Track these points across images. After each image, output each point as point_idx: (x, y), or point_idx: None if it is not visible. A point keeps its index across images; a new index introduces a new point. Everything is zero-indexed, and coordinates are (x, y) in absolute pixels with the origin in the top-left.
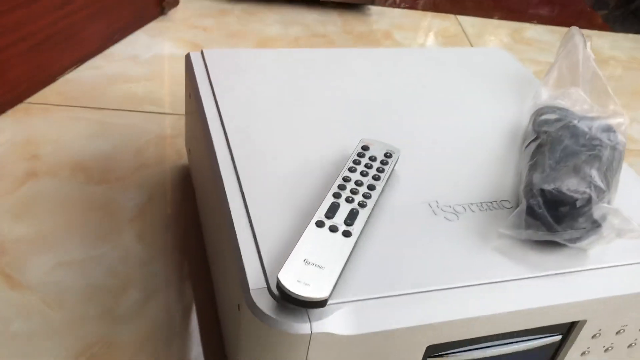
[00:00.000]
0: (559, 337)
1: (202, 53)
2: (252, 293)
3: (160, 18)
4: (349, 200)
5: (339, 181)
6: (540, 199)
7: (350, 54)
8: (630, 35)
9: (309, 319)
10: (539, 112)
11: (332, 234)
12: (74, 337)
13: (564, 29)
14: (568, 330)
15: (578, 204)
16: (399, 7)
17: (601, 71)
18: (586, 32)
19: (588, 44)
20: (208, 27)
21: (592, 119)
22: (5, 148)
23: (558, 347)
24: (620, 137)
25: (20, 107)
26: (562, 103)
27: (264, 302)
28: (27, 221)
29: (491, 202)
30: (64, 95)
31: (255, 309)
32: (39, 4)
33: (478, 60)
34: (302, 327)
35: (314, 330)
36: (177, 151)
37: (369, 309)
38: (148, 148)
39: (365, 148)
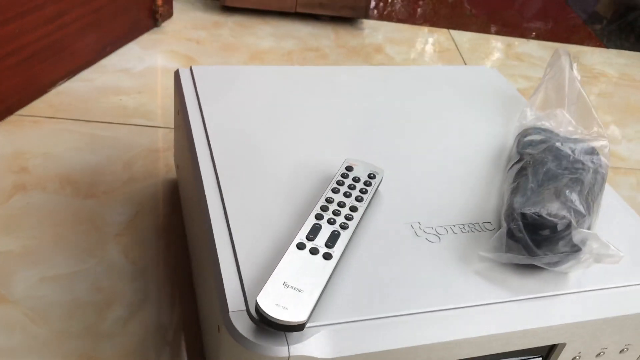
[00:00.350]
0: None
1: (191, 69)
2: (231, 315)
3: (154, 30)
4: (330, 221)
5: (322, 202)
6: (520, 223)
7: (339, 71)
8: (624, 52)
9: (287, 343)
10: (524, 133)
11: (313, 256)
12: (56, 353)
13: (556, 45)
14: (548, 352)
15: (558, 228)
16: (392, 20)
17: (591, 88)
18: (578, 48)
19: (575, 65)
20: (201, 40)
21: (576, 140)
22: None
23: None
24: (604, 160)
25: (11, 119)
26: (547, 124)
27: (242, 325)
28: (14, 234)
29: (473, 224)
30: (55, 108)
31: (233, 331)
32: (30, 17)
33: (467, 79)
34: (280, 351)
35: (291, 354)
36: (166, 165)
37: (347, 332)
38: (137, 161)
39: (349, 168)
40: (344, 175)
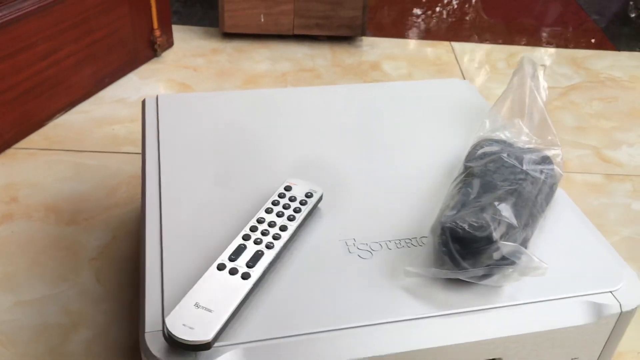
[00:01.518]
0: None
1: (156, 98)
2: (146, 335)
3: (154, 60)
4: (257, 241)
5: (252, 223)
6: (444, 237)
7: (303, 92)
8: (635, 54)
9: None
10: (477, 145)
11: (231, 276)
12: None
13: (563, 51)
14: None
15: (481, 241)
16: (392, 36)
17: (595, 93)
18: (588, 52)
19: (540, 72)
20: (198, 67)
21: (527, 151)
22: None
23: None
24: (556, 169)
25: (8, 152)
26: (502, 135)
27: (156, 345)
28: None
29: (410, 239)
30: (50, 140)
31: (147, 351)
32: (22, 56)
33: (436, 93)
34: None
35: None
36: None
37: (260, 351)
38: (121, 188)
39: (287, 188)
40: (281, 195)
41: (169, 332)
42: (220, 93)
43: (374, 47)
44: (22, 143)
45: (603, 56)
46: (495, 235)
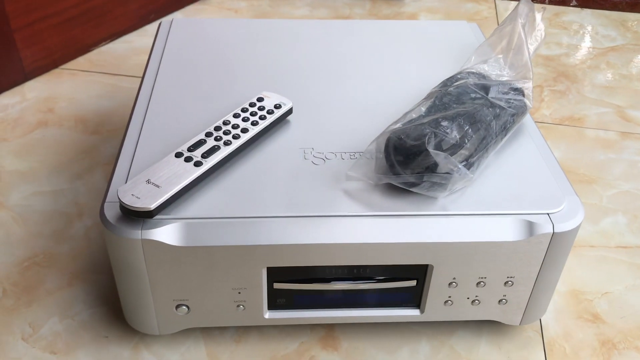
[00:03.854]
0: (414, 282)
1: (171, 22)
2: (105, 204)
3: (201, 1)
4: (217, 139)
5: (218, 123)
6: (384, 146)
7: (309, 24)
8: None
9: (141, 228)
10: (453, 76)
11: (185, 163)
12: (26, 247)
13: (613, 13)
14: (423, 277)
15: (413, 150)
16: None
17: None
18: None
19: (538, 15)
20: (239, 9)
21: (499, 82)
22: (29, 102)
23: (420, 294)
24: (525, 100)
25: (55, 71)
26: (481, 68)
27: (110, 212)
28: (25, 158)
29: (364, 152)
30: (93, 63)
31: (103, 216)
32: None
33: (438, 32)
34: (134, 234)
35: (143, 237)
36: None
37: (198, 227)
38: None
39: (260, 99)
40: (252, 104)
41: (119, 199)
42: (233, 20)
43: (416, 1)
44: (68, 65)
45: None
46: (429, 145)
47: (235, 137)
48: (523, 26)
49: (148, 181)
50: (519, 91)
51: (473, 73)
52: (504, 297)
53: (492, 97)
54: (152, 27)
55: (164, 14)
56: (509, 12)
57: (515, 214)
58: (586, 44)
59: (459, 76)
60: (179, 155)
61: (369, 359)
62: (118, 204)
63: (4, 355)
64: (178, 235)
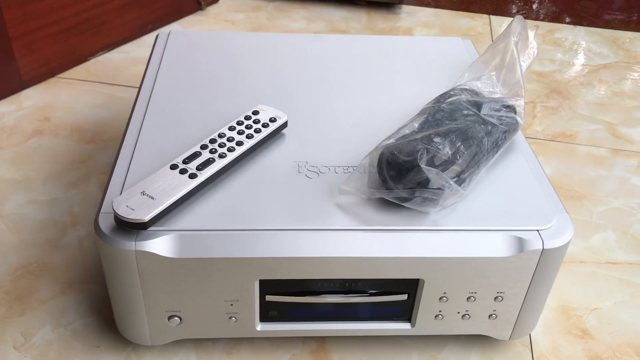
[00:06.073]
0: (405, 296)
1: (168, 34)
2: (100, 215)
3: (198, 12)
4: (212, 151)
5: (213, 136)
6: (377, 160)
7: (304, 38)
8: None
9: (135, 239)
10: (446, 92)
11: (180, 175)
12: (19, 256)
13: (605, 31)
14: (415, 292)
15: (405, 165)
16: (432, 6)
17: (631, 73)
18: (632, 34)
19: (531, 33)
20: (237, 21)
21: (491, 99)
22: (26, 111)
23: (411, 308)
24: (516, 118)
25: (52, 80)
26: (474, 85)
27: (105, 223)
28: (20, 166)
29: (358, 167)
30: (89, 73)
31: (97, 227)
32: None
33: (432, 48)
34: (128, 245)
35: (137, 248)
36: None
37: (192, 239)
38: None
39: (255, 112)
40: (247, 117)
41: (114, 211)
42: (230, 33)
43: (411, 15)
44: (65, 73)
45: None
46: (421, 161)
47: (230, 149)
48: (516, 44)
49: (143, 193)
50: (511, 108)
51: (466, 90)
52: (494, 312)
53: (485, 114)
54: (149, 38)
55: (162, 24)
56: (504, 28)
57: (505, 230)
58: (579, 60)
59: (452, 92)
60: (174, 167)
61: None
62: (112, 215)
63: None
64: (171, 247)
